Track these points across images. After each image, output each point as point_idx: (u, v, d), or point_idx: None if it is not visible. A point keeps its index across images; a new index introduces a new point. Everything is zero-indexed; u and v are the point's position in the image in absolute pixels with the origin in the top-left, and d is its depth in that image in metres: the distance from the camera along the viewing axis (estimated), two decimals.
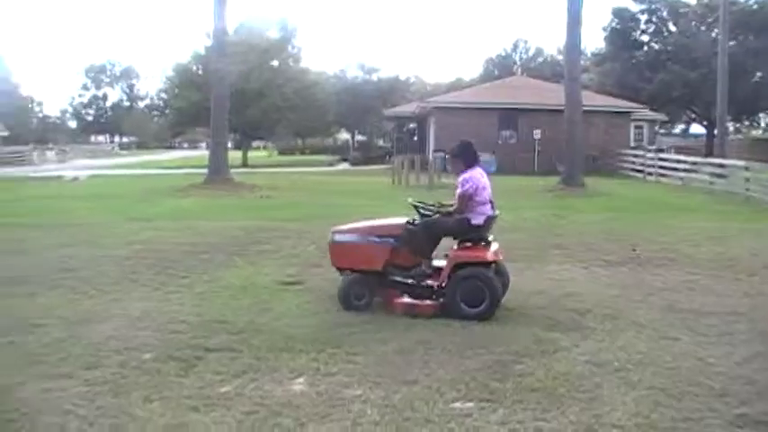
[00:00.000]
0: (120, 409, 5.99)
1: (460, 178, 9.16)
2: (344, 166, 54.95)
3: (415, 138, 57.28)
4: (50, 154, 72.23)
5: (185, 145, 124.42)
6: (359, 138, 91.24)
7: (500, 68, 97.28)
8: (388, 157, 52.40)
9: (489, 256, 9.05)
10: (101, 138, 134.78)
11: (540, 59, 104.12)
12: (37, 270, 11.76)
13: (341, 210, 19.79)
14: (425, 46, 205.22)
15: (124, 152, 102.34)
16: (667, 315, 9.01)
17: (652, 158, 36.41)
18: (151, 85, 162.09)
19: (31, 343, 7.79)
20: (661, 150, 41.00)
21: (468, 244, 9.14)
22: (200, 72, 56.04)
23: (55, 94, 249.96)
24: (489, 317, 8.61)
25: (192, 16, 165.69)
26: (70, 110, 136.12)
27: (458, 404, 6.10)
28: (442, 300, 8.93)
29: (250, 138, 64.98)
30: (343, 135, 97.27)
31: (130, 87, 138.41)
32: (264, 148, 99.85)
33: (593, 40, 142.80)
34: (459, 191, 9.11)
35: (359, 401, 6.15)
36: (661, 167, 34.81)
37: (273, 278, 11.01)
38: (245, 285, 10.49)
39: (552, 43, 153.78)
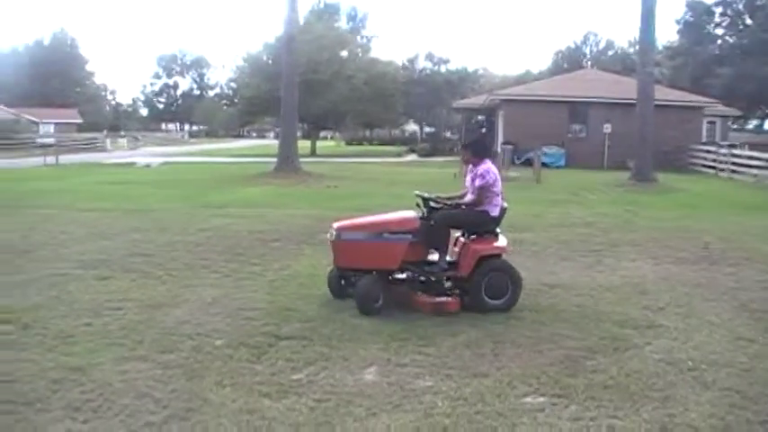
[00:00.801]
0: (193, 393, 6.10)
1: (480, 170, 8.97)
2: (412, 157, 54.88)
3: (484, 130, 57.01)
4: (122, 141, 73.80)
5: (253, 134, 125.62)
6: (427, 129, 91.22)
7: (569, 61, 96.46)
8: (456, 149, 52.26)
9: (508, 247, 9.18)
10: (171, 126, 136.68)
11: (611, 52, 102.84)
12: (111, 254, 12.02)
13: (410, 201, 19.73)
14: (494, 37, 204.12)
15: (193, 140, 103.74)
16: (741, 315, 8.85)
17: (725, 154, 35.64)
18: (221, 74, 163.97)
19: (107, 325, 7.98)
20: (734, 146, 40.07)
21: (473, 236, 9.11)
22: (270, 62, 56.42)
23: (127, 82, 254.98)
24: (510, 308, 8.72)
25: (263, 6, 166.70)
26: (142, 98, 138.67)
27: (529, 399, 6.09)
28: (458, 293, 8.90)
29: (318, 128, 65.30)
30: (411, 126, 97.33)
31: (201, 76, 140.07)
32: (332, 138, 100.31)
33: (666, 33, 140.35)
34: (479, 182, 8.91)
35: (430, 393, 6.17)
36: (733, 164, 34.06)
37: None
38: (315, 274, 10.55)
39: (623, 36, 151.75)
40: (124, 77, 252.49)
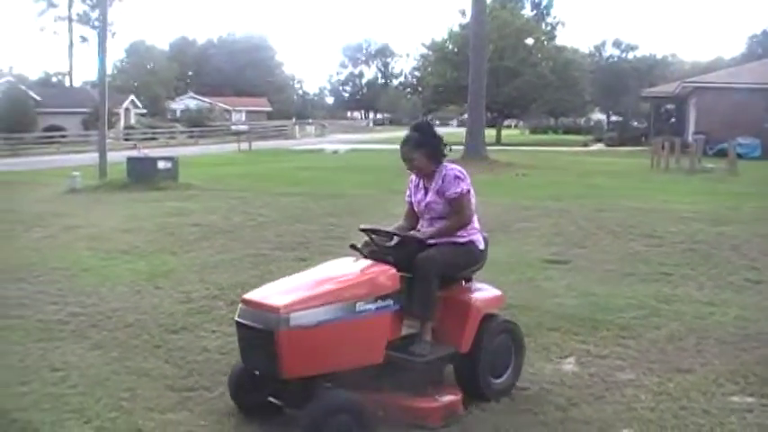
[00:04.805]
0: None
1: (449, 174, 5.79)
2: (599, 146, 53.79)
3: (673, 119, 55.24)
4: (310, 128, 75.97)
5: (437, 122, 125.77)
6: (613, 118, 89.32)
7: (765, 47, 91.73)
8: (644, 139, 50.95)
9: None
10: (356, 114, 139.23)
11: None
12: (308, 237, 12.41)
13: (603, 191, 19.44)
14: (683, 22, 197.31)
15: (378, 128, 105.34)
16: None
17: None
18: (405, 63, 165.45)
19: None
20: None
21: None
22: (455, 50, 56.58)
23: (314, 72, 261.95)
24: (512, 387, 5.95)
25: None
26: (328, 87, 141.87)
27: (736, 398, 5.82)
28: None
29: (503, 116, 65.10)
30: (597, 115, 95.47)
31: (385, 65, 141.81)
32: (516, 126, 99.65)
33: None
34: (455, 190, 5.72)
35: (632, 386, 6.01)
36: None
37: (538, 256, 10.95)
38: (509, 261, 10.42)
39: None
40: (311, 68, 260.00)
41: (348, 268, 5.47)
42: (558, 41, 68.35)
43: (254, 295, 5.13)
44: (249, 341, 4.97)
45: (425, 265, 5.37)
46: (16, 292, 8.85)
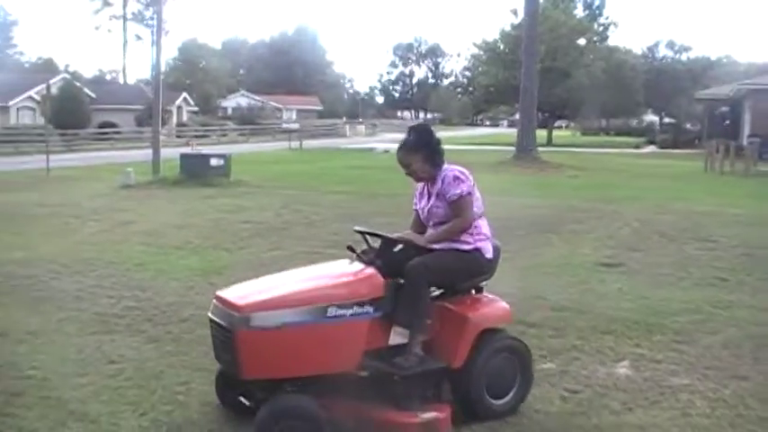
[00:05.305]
0: None
1: (451, 173, 5.41)
2: (651, 148, 53.25)
3: (727, 122, 54.50)
4: (360, 128, 76.12)
5: (487, 122, 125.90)
6: (666, 120, 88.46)
7: None
8: (697, 141, 50.36)
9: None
10: (406, 113, 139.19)
11: None
12: (359, 236, 12.35)
13: (656, 194, 19.26)
14: (737, 23, 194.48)
15: None
16: None
17: None
18: (455, 63, 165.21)
19: None
20: None
21: (437, 295, 5.48)
22: (506, 50, 56.36)
23: (365, 71, 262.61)
24: (517, 407, 5.53)
25: None
26: (378, 86, 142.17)
27: None
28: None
29: (555, 117, 64.77)
30: (649, 117, 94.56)
31: (436, 65, 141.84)
32: (567, 127, 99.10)
33: None
34: (455, 191, 5.33)
35: (687, 392, 5.92)
36: None
37: (590, 259, 10.86)
38: (562, 264, 10.43)
39: None
40: (362, 67, 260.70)
41: (330, 271, 5.31)
42: (611, 42, 67.94)
43: (225, 292, 5.00)
44: (218, 338, 4.90)
45: (414, 272, 5.07)
46: (73, 285, 9.00)
